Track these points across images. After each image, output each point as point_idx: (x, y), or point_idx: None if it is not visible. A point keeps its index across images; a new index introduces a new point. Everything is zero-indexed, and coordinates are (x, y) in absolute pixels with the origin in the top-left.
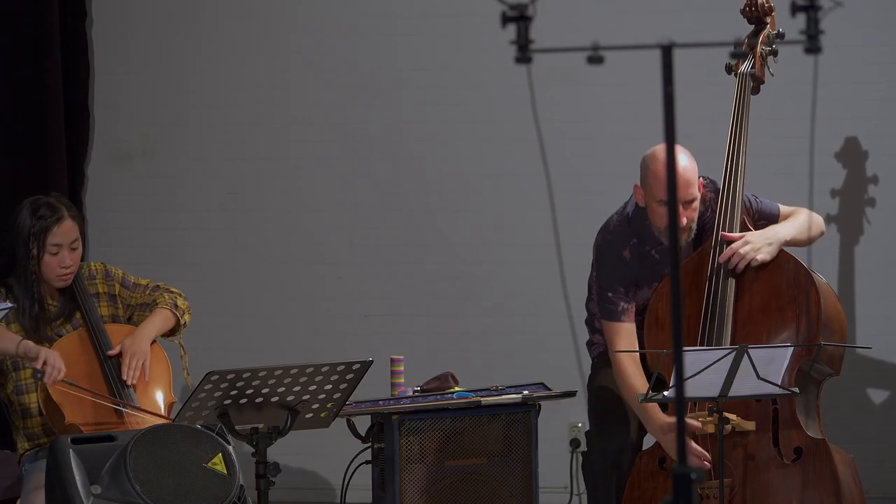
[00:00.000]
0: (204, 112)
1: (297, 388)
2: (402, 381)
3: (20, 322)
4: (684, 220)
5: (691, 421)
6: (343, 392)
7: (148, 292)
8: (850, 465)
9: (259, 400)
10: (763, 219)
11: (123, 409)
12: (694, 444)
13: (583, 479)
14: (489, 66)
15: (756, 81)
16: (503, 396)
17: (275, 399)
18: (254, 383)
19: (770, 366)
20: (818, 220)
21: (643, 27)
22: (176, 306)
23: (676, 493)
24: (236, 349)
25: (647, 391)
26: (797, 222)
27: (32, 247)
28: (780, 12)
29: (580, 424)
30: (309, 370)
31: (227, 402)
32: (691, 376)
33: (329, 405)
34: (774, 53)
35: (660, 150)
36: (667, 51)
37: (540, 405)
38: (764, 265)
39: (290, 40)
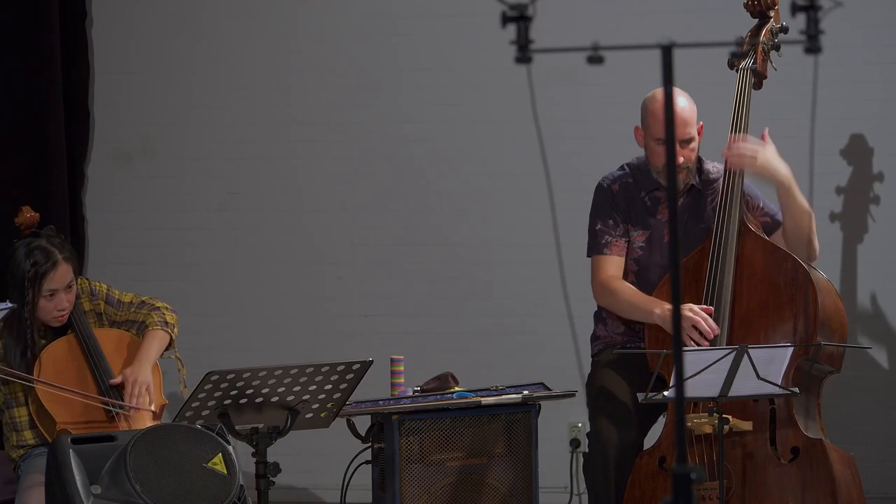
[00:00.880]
0: (204, 112)
1: (297, 388)
2: (402, 381)
3: (8, 361)
4: (681, 159)
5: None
6: (343, 392)
7: (133, 309)
8: (849, 464)
9: (259, 400)
10: (765, 216)
11: (114, 410)
12: (704, 317)
13: (583, 480)
14: (489, 66)
15: (758, 76)
16: (503, 396)
17: (275, 399)
18: (254, 383)
19: (770, 366)
20: (814, 230)
21: (643, 27)
22: (166, 323)
23: (676, 492)
24: (236, 349)
25: (647, 391)
26: (807, 205)
27: (28, 293)
28: (781, 11)
29: (580, 424)
30: (309, 370)
31: (227, 402)
32: (691, 376)
33: (329, 405)
34: (777, 48)
35: (659, 91)
36: (667, 51)
37: (540, 405)
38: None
39: (290, 40)
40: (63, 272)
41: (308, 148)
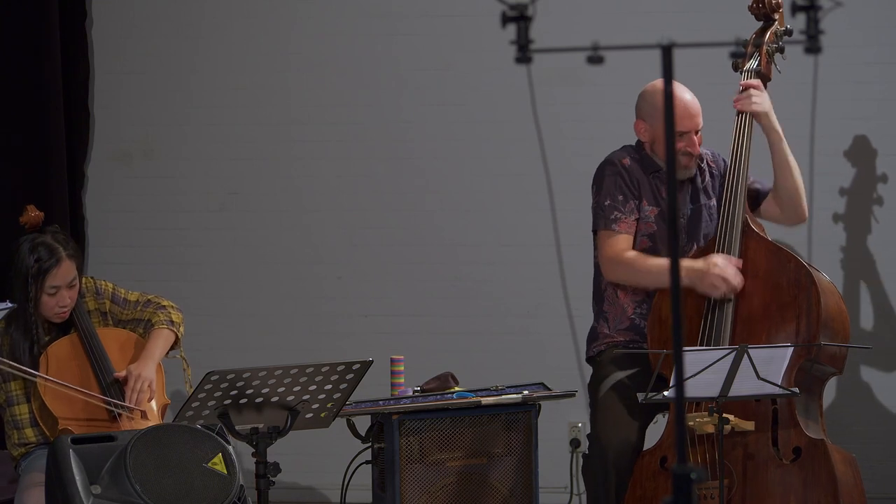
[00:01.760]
0: (204, 112)
1: (297, 388)
2: (402, 381)
3: (14, 356)
4: (697, 150)
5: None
6: (343, 392)
7: (139, 308)
8: (850, 464)
9: (259, 400)
10: (754, 183)
11: (116, 410)
12: (734, 270)
13: (583, 480)
14: (489, 66)
15: (762, 78)
16: (503, 396)
17: (275, 399)
18: (254, 383)
19: (769, 365)
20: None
21: (643, 27)
22: (172, 322)
23: (676, 492)
24: (236, 349)
25: (647, 391)
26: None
27: (31, 289)
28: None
29: (580, 424)
30: (309, 370)
31: (227, 402)
32: (691, 376)
33: (329, 405)
34: (781, 51)
35: (660, 82)
36: (667, 51)
37: (540, 405)
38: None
39: (290, 40)
40: (66, 269)
41: (308, 148)
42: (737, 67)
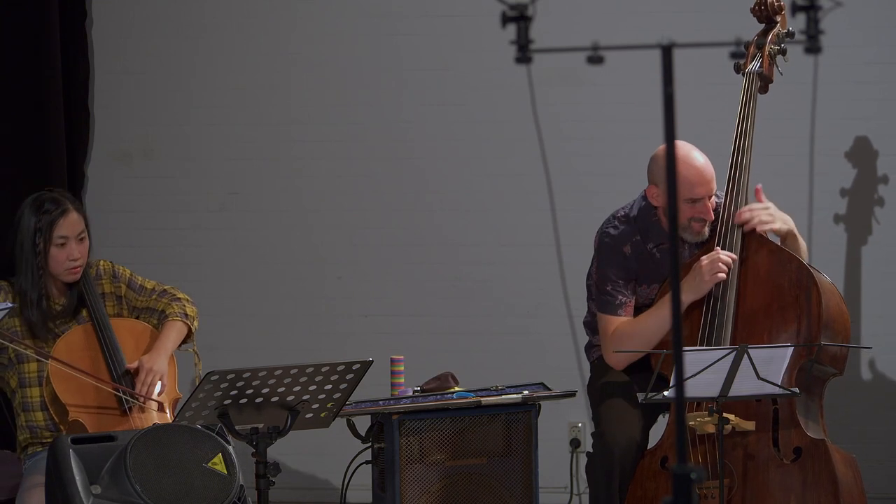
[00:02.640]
0: (204, 112)
1: (297, 388)
2: (402, 381)
3: (24, 316)
4: (712, 216)
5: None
6: (343, 392)
7: (155, 297)
8: (851, 465)
9: (259, 400)
10: None
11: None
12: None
13: (583, 480)
14: (489, 66)
15: (764, 80)
16: (503, 396)
17: (275, 399)
18: (254, 383)
19: (769, 366)
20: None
21: (643, 27)
22: (186, 315)
23: (676, 492)
24: (236, 349)
25: (647, 391)
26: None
27: (39, 241)
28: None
29: (580, 424)
30: (309, 370)
31: (227, 402)
32: (691, 376)
33: (329, 405)
34: (783, 52)
35: (682, 151)
36: (667, 51)
37: (540, 405)
38: (765, 264)
39: (290, 40)
40: (74, 219)
41: (308, 148)
42: (739, 69)
